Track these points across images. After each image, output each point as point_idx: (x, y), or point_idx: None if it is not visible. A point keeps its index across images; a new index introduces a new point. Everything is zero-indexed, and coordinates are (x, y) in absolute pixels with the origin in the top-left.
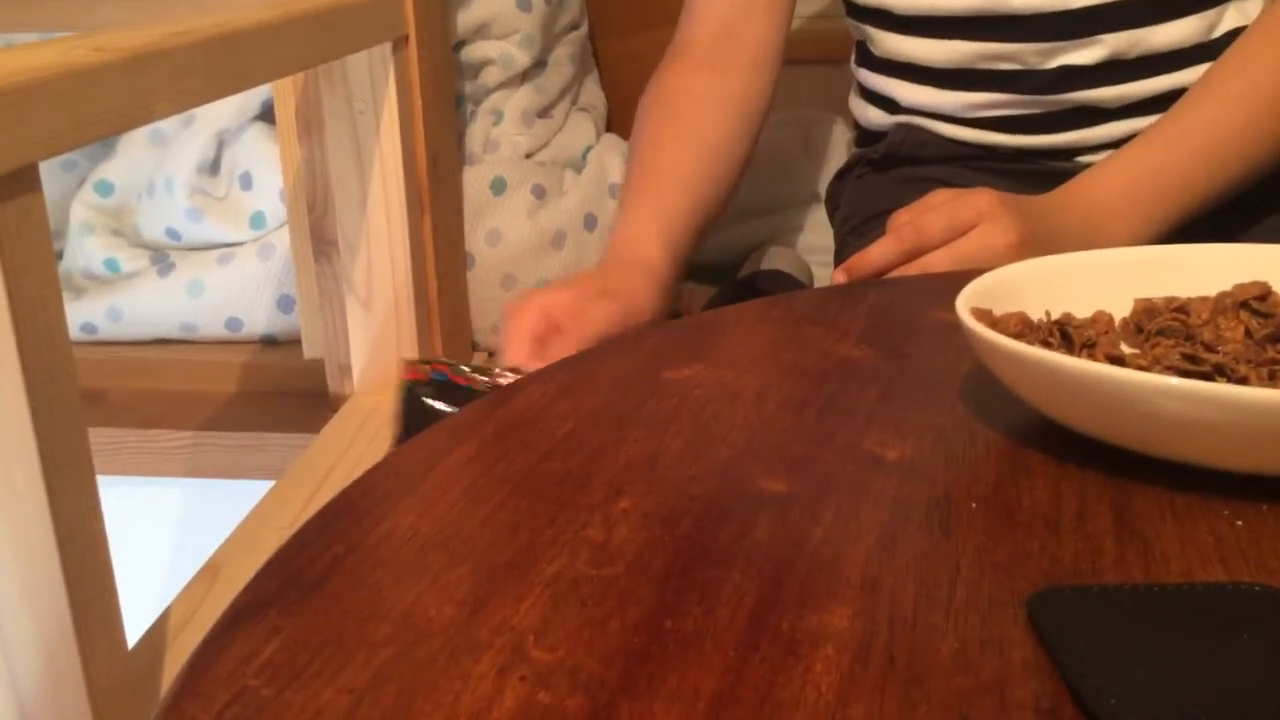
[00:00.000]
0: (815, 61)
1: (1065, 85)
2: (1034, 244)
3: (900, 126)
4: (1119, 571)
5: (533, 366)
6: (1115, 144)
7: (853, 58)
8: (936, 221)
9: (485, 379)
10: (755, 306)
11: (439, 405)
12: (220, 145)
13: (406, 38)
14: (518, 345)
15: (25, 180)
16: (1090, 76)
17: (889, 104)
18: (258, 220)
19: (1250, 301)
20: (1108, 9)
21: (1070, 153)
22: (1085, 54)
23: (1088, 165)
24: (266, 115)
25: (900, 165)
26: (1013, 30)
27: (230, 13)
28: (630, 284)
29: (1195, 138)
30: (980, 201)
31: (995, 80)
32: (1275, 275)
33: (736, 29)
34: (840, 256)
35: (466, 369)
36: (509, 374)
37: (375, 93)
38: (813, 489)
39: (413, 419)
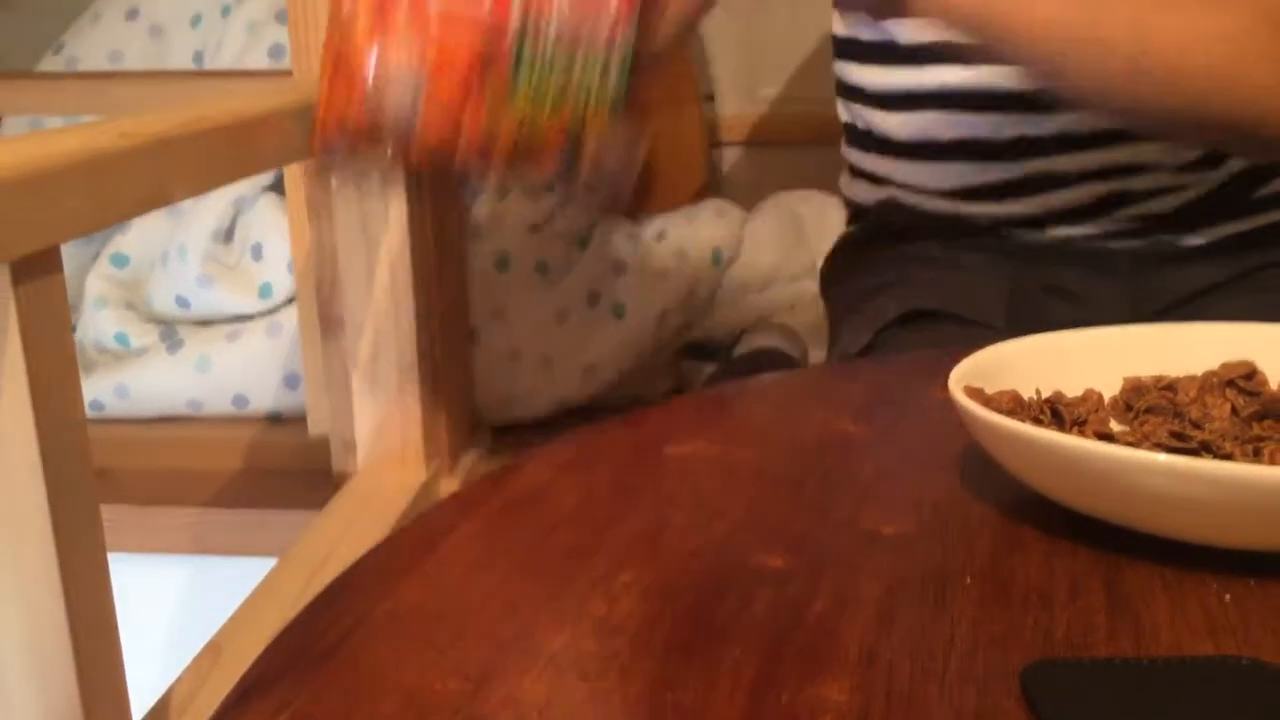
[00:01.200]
0: (809, 143)
1: (1025, 153)
2: None
3: (882, 202)
4: (1111, 645)
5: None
6: (1081, 210)
7: (843, 138)
8: None
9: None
10: (754, 384)
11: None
12: (236, 213)
13: None
14: None
15: (47, 262)
16: (1046, 145)
17: (874, 180)
18: (266, 290)
19: (1237, 380)
20: None
21: (1040, 221)
22: (1042, 126)
23: (1062, 237)
24: (278, 185)
25: (885, 240)
26: (978, 101)
27: (245, 100)
28: None
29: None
30: None
31: (959, 150)
32: (1261, 354)
33: None
34: (835, 334)
35: None
36: None
37: None
38: (810, 564)
39: None
